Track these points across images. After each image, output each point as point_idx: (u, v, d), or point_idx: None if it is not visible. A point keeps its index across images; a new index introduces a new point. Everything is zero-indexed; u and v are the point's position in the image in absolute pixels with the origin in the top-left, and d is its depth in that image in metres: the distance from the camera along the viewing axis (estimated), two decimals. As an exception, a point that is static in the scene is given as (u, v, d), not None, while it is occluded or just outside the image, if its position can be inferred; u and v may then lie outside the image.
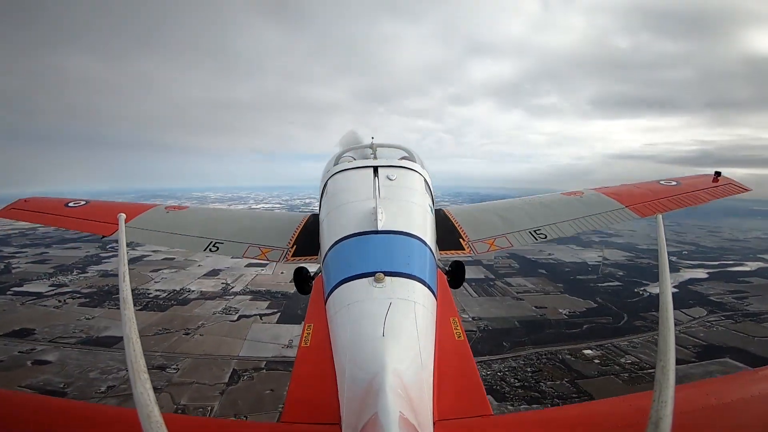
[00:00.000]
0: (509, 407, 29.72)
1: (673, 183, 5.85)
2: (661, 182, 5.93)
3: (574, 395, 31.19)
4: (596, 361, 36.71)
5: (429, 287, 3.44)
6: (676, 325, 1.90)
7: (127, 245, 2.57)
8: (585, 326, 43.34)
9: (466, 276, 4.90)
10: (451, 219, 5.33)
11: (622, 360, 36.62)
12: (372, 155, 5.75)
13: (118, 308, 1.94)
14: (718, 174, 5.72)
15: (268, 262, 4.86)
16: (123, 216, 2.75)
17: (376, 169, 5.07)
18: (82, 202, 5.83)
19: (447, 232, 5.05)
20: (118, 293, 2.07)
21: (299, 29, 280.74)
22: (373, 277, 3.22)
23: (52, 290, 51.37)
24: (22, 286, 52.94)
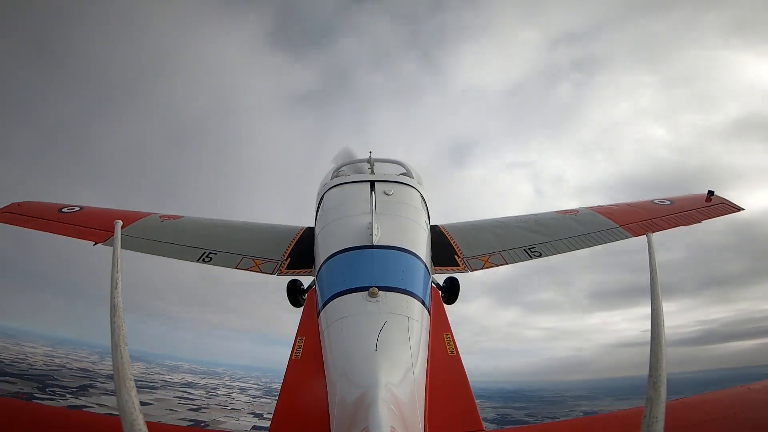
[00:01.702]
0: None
1: (667, 202, 5.88)
2: (654, 201, 5.95)
3: None
4: None
5: (423, 302, 3.43)
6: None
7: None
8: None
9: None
10: (447, 235, 5.32)
11: None
12: (369, 170, 5.77)
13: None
14: (711, 193, 5.76)
15: (261, 273, 4.82)
16: (119, 223, 2.76)
17: (373, 183, 5.09)
18: (76, 208, 5.75)
19: (442, 248, 5.04)
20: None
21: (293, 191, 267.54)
22: (367, 292, 3.21)
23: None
24: None
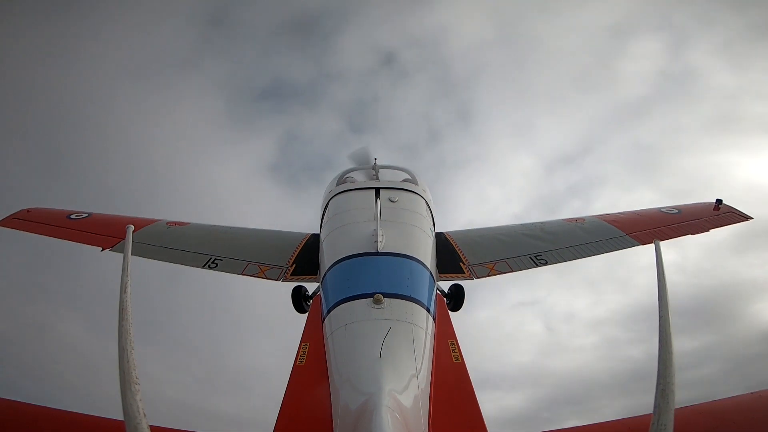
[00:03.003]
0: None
1: (675, 211, 5.81)
2: (662, 210, 5.89)
3: None
4: None
5: (428, 309, 3.42)
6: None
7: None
8: None
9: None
10: (452, 242, 5.30)
11: None
12: (374, 176, 5.78)
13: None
14: (719, 202, 5.71)
15: (266, 280, 4.83)
16: (131, 227, 2.77)
17: (377, 190, 5.10)
18: (85, 215, 5.81)
19: (447, 255, 5.02)
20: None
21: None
22: (371, 299, 3.21)
23: None
24: None
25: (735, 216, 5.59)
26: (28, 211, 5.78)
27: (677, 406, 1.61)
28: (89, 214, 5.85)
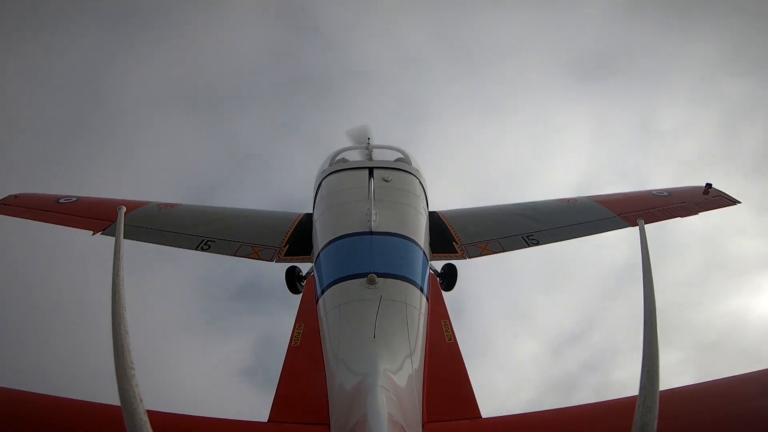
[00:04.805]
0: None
1: (665, 194, 5.88)
2: (653, 192, 5.97)
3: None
4: None
5: (421, 289, 3.45)
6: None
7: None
8: None
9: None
10: (445, 222, 5.32)
11: None
12: (368, 156, 5.73)
13: None
14: (709, 186, 5.78)
15: (260, 260, 4.83)
16: (123, 209, 2.71)
17: (371, 170, 5.06)
18: (74, 199, 5.71)
19: (440, 235, 5.05)
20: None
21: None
22: (365, 278, 3.22)
23: None
24: None
25: (724, 200, 5.65)
26: (15, 197, 5.67)
27: (662, 389, 1.64)
28: (78, 198, 5.73)
